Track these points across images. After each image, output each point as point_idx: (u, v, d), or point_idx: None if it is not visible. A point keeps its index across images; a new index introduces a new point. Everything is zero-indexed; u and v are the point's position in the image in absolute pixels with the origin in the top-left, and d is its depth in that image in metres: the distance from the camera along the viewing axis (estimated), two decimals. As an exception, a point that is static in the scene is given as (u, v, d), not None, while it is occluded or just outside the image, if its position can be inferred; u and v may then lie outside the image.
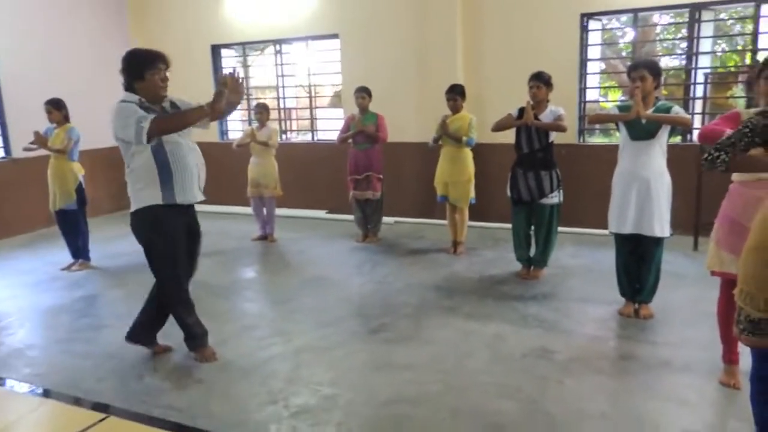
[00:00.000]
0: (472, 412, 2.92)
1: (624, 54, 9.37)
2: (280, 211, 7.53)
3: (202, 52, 8.15)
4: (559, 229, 5.01)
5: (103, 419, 3.01)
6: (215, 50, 8.20)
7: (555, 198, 4.75)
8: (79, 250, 5.69)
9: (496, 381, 3.22)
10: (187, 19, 8.18)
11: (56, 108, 5.39)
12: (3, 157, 7.12)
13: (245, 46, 8.27)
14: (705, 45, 5.82)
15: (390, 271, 5.25)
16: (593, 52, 6.35)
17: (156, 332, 3.74)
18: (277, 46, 7.89)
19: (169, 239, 3.43)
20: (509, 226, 5.09)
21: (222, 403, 3.14)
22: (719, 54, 6.80)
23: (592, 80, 6.58)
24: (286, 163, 7.69)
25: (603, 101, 10.79)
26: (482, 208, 6.11)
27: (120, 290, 5.06)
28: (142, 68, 3.32)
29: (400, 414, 2.94)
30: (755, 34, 5.41)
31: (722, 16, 6.22)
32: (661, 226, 3.77)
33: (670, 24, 9.21)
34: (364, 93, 5.95)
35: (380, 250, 5.98)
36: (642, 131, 3.72)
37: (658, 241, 3.83)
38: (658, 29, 10.86)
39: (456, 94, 5.44)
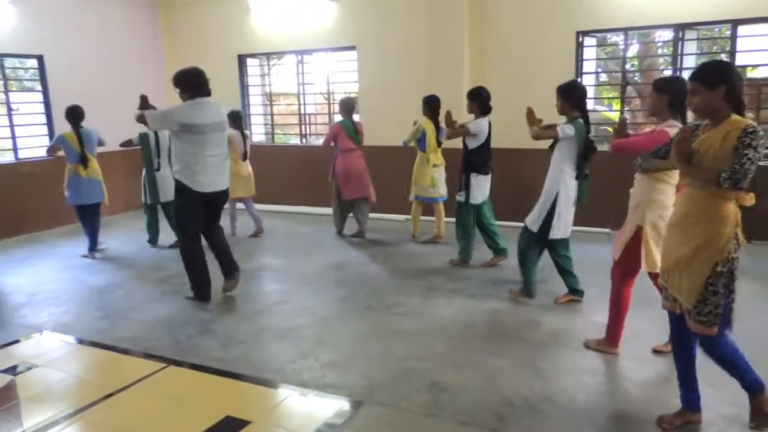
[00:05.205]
0: (472, 366, 3.53)
1: (626, 67, 9.92)
2: (300, 208, 8.29)
3: (229, 61, 8.82)
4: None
5: (165, 368, 3.65)
6: (241, 59, 8.87)
7: (461, 197, 5.46)
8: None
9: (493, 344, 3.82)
10: (216, 30, 8.84)
11: None
12: (49, 156, 7.72)
13: (269, 56, 8.93)
14: (689, 61, 6.40)
15: (402, 260, 5.87)
16: (588, 65, 6.95)
17: None
18: (299, 56, 8.54)
19: None
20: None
21: (262, 358, 3.76)
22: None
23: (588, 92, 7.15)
24: (306, 165, 8.46)
25: (605, 110, 11.31)
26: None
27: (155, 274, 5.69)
28: None
29: (413, 368, 3.53)
30: (732, 52, 6.00)
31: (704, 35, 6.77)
32: (532, 219, 4.42)
33: (655, 42, 9.82)
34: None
35: (388, 242, 6.59)
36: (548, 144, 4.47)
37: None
38: (659, 44, 11.47)
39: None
